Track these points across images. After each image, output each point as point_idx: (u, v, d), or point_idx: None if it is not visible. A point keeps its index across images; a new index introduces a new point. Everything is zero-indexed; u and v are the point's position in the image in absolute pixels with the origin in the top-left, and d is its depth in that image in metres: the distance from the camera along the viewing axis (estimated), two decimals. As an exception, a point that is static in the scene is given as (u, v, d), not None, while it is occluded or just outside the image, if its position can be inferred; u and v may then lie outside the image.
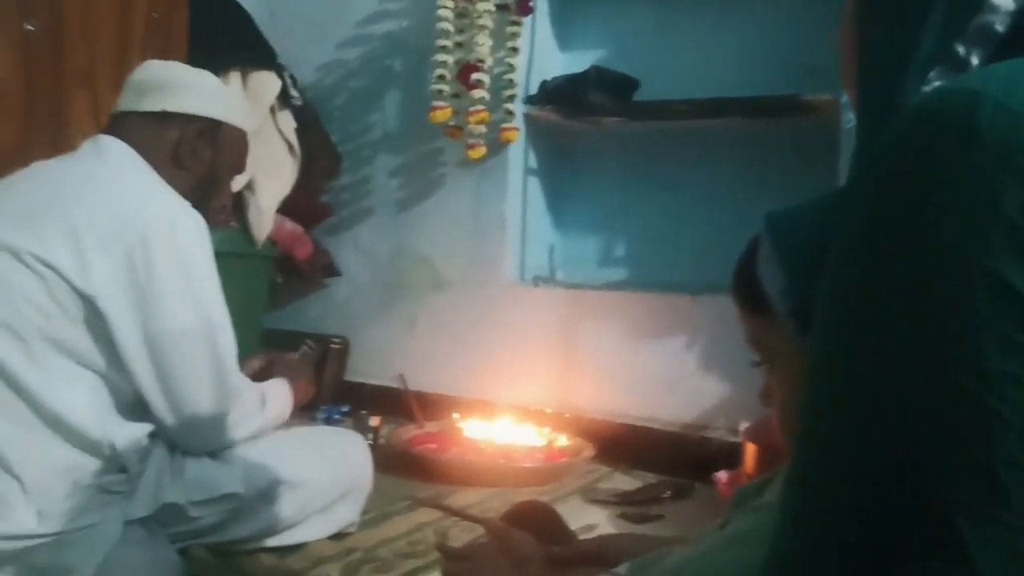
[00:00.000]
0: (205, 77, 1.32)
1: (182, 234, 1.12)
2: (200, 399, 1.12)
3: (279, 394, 1.31)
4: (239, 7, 2.23)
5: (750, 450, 1.46)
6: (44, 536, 1.03)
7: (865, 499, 0.35)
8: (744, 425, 1.56)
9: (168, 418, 1.12)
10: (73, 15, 1.60)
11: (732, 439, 1.74)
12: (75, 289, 1.05)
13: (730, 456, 1.60)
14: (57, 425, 1.05)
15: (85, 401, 1.07)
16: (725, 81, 2.01)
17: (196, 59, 1.65)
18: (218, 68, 1.97)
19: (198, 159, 1.25)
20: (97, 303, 1.05)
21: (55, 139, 1.55)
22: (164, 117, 1.23)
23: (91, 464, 1.08)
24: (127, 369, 1.09)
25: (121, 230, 1.07)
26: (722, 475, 1.50)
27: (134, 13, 1.73)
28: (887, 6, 0.47)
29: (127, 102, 1.25)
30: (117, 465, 1.09)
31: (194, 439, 1.16)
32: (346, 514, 1.29)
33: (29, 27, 1.52)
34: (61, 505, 1.05)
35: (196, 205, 1.21)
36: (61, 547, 1.03)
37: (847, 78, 0.54)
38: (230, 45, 2.04)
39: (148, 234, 1.07)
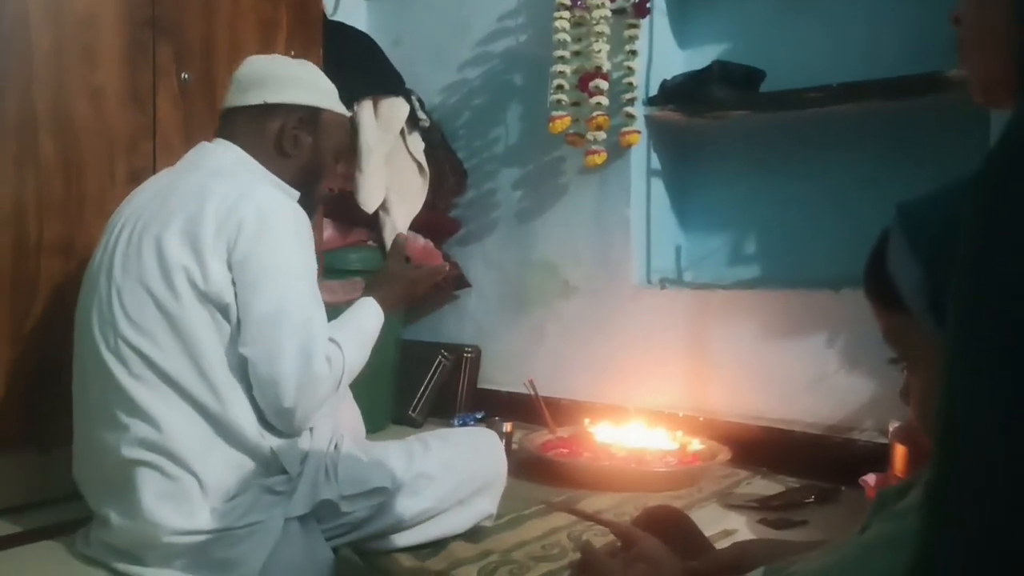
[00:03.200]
0: (303, 68, 1.36)
1: (272, 218, 1.17)
2: (285, 369, 1.13)
3: (363, 319, 1.29)
4: (368, 39, 2.36)
5: (899, 451, 1.38)
6: (217, 531, 1.14)
7: (1013, 500, 0.33)
8: (894, 425, 1.47)
9: (266, 388, 1.14)
10: (221, 61, 1.75)
11: (881, 440, 1.64)
12: (203, 294, 1.14)
13: (879, 458, 1.51)
14: (225, 431, 1.16)
15: (245, 410, 1.17)
16: (857, 63, 1.90)
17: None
18: (351, 98, 2.11)
19: (300, 146, 1.31)
20: (219, 300, 1.14)
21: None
22: (266, 109, 1.29)
23: (255, 465, 1.19)
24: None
25: (222, 227, 1.14)
26: (870, 478, 1.43)
27: (274, 54, 1.85)
28: None
29: (232, 98, 1.32)
30: (278, 467, 1.20)
31: (275, 401, 1.14)
32: (483, 506, 1.35)
33: (185, 76, 1.68)
34: (231, 503, 1.16)
35: (303, 191, 1.27)
36: (231, 542, 1.15)
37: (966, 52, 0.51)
38: (361, 75, 2.16)
39: (243, 225, 1.14)
